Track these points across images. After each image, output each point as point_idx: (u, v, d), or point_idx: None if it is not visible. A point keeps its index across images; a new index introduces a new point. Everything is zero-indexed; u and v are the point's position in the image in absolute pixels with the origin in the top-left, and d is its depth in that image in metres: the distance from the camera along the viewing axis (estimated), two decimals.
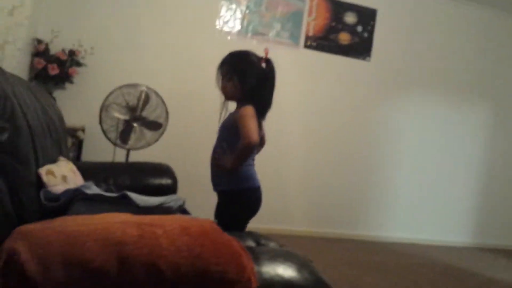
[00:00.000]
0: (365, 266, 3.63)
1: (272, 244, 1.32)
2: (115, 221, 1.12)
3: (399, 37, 4.72)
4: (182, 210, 1.48)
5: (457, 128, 4.99)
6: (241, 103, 2.11)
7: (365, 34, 4.63)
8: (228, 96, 2.18)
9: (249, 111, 2.03)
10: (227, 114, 2.22)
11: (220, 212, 2.13)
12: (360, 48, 4.62)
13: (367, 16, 4.61)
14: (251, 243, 1.30)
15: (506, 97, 5.16)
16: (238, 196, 2.13)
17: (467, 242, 5.04)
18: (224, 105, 2.24)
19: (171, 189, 2.28)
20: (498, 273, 3.99)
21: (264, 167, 4.37)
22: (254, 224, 3.76)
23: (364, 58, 4.62)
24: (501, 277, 3.85)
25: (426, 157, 4.88)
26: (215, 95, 4.08)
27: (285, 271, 1.05)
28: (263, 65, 2.10)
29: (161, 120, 3.09)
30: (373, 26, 4.63)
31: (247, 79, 2.06)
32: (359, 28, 4.60)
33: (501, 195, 5.18)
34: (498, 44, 5.08)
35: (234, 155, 2.04)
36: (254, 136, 1.98)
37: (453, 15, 4.88)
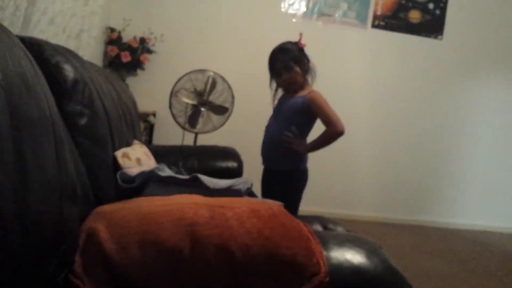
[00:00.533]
0: (436, 253, 3.51)
1: (339, 229, 1.31)
2: (188, 202, 1.16)
3: (475, 13, 4.43)
4: (250, 193, 1.50)
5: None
6: (301, 88, 2.22)
7: (437, 11, 4.39)
8: (294, 87, 2.25)
9: (322, 97, 2.16)
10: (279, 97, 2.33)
11: (273, 191, 2.16)
12: (432, 26, 4.40)
13: None
14: (318, 227, 1.30)
15: None
16: (297, 176, 2.26)
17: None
18: (275, 90, 2.34)
19: (237, 172, 2.32)
20: None
21: (331, 151, 4.31)
22: (319, 208, 3.75)
23: (436, 37, 4.40)
24: None
25: (502, 141, 4.59)
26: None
27: (354, 256, 1.03)
28: (302, 46, 2.30)
29: (227, 105, 3.13)
30: (445, 3, 4.38)
31: (303, 62, 2.23)
32: (431, 5, 4.38)
33: None
34: None
35: (319, 140, 2.15)
36: (342, 124, 2.10)
37: None
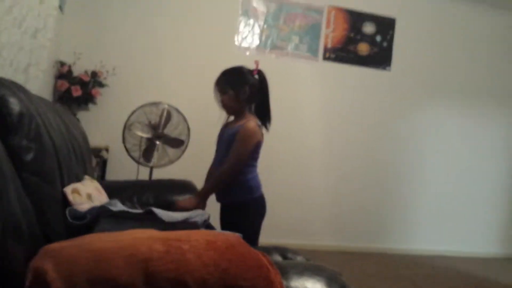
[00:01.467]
0: (395, 280, 3.54)
1: (299, 258, 1.30)
2: (141, 237, 1.12)
3: (420, 45, 4.66)
4: (207, 225, 1.47)
5: (482, 138, 4.87)
6: (241, 116, 2.21)
7: (384, 44, 4.59)
8: (227, 110, 2.27)
9: (251, 131, 2.12)
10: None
11: (232, 224, 2.09)
12: (380, 58, 4.58)
13: (386, 26, 4.58)
14: (278, 257, 1.28)
15: None
16: (252, 205, 2.19)
17: (495, 253, 4.88)
18: (226, 119, 2.35)
19: None
20: None
21: (286, 179, 4.36)
22: (279, 240, 3.73)
23: (384, 68, 4.58)
24: None
25: (450, 168, 4.77)
26: None
27: (314, 285, 1.02)
28: (256, 76, 2.24)
29: (183, 137, 3.10)
30: (392, 36, 4.59)
31: (241, 89, 2.18)
32: (378, 38, 4.57)
33: None
34: None
35: (211, 183, 2.17)
36: (238, 169, 2.10)
37: (474, 20, 4.81)
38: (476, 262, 4.47)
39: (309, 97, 4.35)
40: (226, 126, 2.31)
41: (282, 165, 4.30)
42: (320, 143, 4.40)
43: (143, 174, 3.37)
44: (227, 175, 2.07)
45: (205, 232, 1.27)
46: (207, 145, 4.10)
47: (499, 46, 4.90)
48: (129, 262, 1.02)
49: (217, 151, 2.30)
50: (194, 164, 3.92)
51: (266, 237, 2.53)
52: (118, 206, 1.42)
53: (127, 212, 1.36)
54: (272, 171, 4.21)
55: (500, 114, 4.91)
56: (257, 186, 2.21)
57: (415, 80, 4.66)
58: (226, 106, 2.23)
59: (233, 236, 1.20)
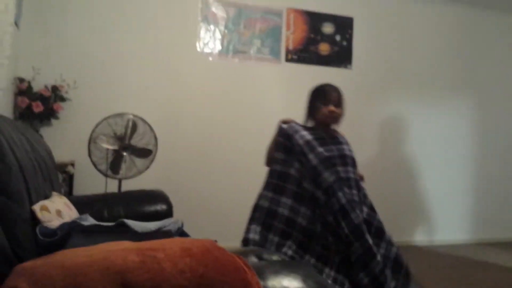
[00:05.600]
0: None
1: (275, 258, 1.32)
2: (115, 249, 1.11)
3: (378, 43, 4.79)
4: (181, 233, 1.47)
5: (444, 126, 5.04)
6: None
7: (344, 43, 4.69)
8: (337, 121, 2.44)
9: None
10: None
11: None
12: (340, 57, 4.68)
13: (344, 25, 4.68)
14: (253, 259, 1.29)
15: (488, 90, 5.24)
16: None
17: (464, 239, 5.05)
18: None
19: (167, 215, 2.26)
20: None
21: (253, 181, 4.36)
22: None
23: (345, 67, 4.67)
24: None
25: (416, 158, 4.91)
26: (201, 116, 4.12)
27: (291, 283, 1.04)
28: None
29: (150, 147, 3.08)
30: (351, 34, 4.70)
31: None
32: (338, 37, 4.67)
33: (493, 190, 5.23)
34: (476, 40, 5.17)
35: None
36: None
37: (429, 15, 4.97)
38: (448, 249, 4.60)
39: (274, 99, 4.39)
40: (325, 138, 2.29)
41: (251, 168, 4.32)
42: None
43: (112, 186, 3.33)
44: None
45: (180, 239, 1.27)
46: (176, 153, 4.10)
47: (455, 39, 5.08)
48: (104, 275, 1.02)
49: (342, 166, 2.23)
50: (164, 173, 3.91)
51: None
52: (89, 220, 1.41)
53: (99, 225, 1.35)
54: (239, 175, 4.23)
55: (460, 104, 5.10)
56: None
57: (375, 76, 4.78)
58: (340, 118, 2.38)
59: (208, 241, 1.20)
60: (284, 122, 2.29)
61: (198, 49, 4.18)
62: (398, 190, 4.82)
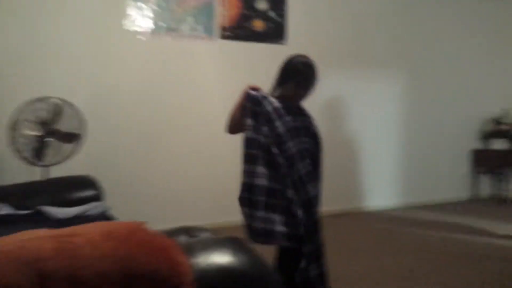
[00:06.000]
0: None
1: (206, 235, 1.27)
2: (30, 238, 1.03)
3: (312, 18, 4.80)
4: (107, 217, 1.39)
5: (378, 102, 5.20)
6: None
7: (278, 19, 4.66)
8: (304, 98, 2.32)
9: None
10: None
11: None
12: (275, 33, 4.65)
13: (278, 1, 4.65)
14: (183, 237, 1.24)
15: (419, 67, 5.43)
16: None
17: (397, 203, 5.29)
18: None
19: (95, 200, 2.16)
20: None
21: (193, 162, 4.31)
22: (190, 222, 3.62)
23: (280, 43, 4.65)
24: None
25: (353, 133, 5.03)
26: (135, 97, 3.97)
27: (220, 258, 1.01)
28: None
29: (77, 131, 2.92)
30: (284, 10, 4.67)
31: None
32: (272, 14, 4.63)
33: (419, 157, 5.49)
34: (408, 19, 5.32)
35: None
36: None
37: None
38: (384, 212, 4.80)
39: (211, 76, 4.31)
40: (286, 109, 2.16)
41: (189, 147, 4.24)
42: (223, 118, 4.37)
43: (39, 174, 3.14)
44: None
45: (102, 223, 1.19)
46: (111, 137, 3.93)
47: (388, 16, 5.20)
48: (18, 266, 0.94)
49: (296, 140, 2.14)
50: (95, 157, 3.74)
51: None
52: (3, 209, 1.29)
53: (14, 215, 1.25)
54: (176, 156, 4.15)
55: (392, 79, 5.27)
56: None
57: (311, 52, 4.67)
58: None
59: (133, 224, 1.14)
60: (252, 88, 2.20)
61: (128, 28, 3.99)
62: (341, 162, 4.92)
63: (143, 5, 4.04)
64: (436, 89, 5.56)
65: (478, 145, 5.86)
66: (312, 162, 2.14)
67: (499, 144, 5.65)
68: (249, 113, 2.08)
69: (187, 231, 1.30)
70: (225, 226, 4.09)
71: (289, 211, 1.99)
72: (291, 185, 2.01)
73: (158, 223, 3.40)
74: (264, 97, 2.13)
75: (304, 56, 2.30)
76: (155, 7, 4.09)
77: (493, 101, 5.82)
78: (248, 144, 2.05)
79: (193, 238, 1.25)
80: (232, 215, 4.35)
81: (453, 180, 5.73)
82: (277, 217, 1.98)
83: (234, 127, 2.23)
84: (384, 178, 5.29)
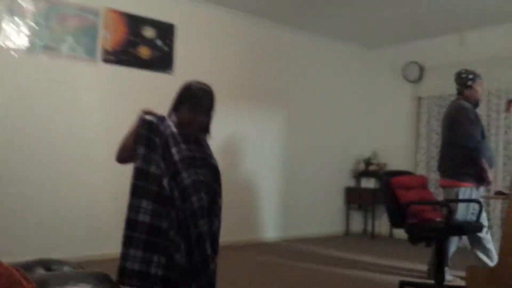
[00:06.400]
0: None
1: (65, 268, 1.21)
2: None
3: (199, 49, 4.88)
4: None
5: (261, 137, 5.45)
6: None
7: (166, 48, 4.67)
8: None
9: None
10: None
11: None
12: (162, 61, 4.65)
13: (166, 31, 4.67)
14: (41, 270, 1.17)
15: (297, 107, 5.80)
16: None
17: (278, 237, 5.48)
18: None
19: None
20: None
21: (69, 188, 4.03)
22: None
23: (167, 72, 4.65)
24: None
25: (244, 166, 5.16)
26: (7, 118, 3.65)
27: None
28: None
29: None
30: (172, 40, 4.70)
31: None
32: (159, 42, 4.63)
33: (298, 192, 5.80)
34: (287, 59, 5.67)
35: None
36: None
37: (250, 31, 5.31)
38: (270, 245, 4.92)
39: (90, 100, 4.14)
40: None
41: (63, 172, 3.99)
42: (102, 146, 4.19)
43: None
44: None
45: None
46: None
47: (267, 55, 5.48)
48: None
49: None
50: None
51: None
52: None
53: None
54: (48, 181, 3.89)
55: (270, 113, 5.55)
56: None
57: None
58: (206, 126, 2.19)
59: None
60: (147, 112, 2.04)
61: (1, 43, 3.70)
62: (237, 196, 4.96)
63: (20, 21, 3.79)
64: (314, 129, 5.97)
65: (350, 183, 6.35)
66: (208, 196, 2.03)
67: (369, 183, 6.15)
68: (143, 141, 1.93)
69: (46, 264, 1.22)
70: (98, 259, 3.88)
71: (168, 253, 1.87)
72: (177, 223, 1.90)
73: (17, 255, 3.12)
74: (162, 120, 2.00)
75: (201, 82, 2.19)
76: (32, 24, 3.85)
77: (364, 142, 6.38)
78: (137, 175, 1.91)
79: (51, 272, 1.17)
80: (107, 247, 4.14)
81: (328, 216, 6.10)
82: (155, 258, 1.85)
83: (124, 155, 2.06)
84: (272, 211, 5.51)
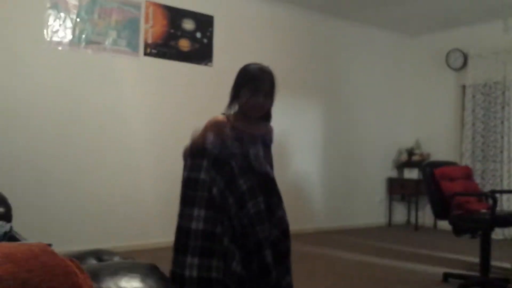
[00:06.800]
0: None
1: (116, 259, 1.24)
2: None
3: (237, 41, 4.89)
4: (10, 237, 1.31)
5: (300, 128, 5.40)
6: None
7: (205, 40, 4.70)
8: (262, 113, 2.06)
9: None
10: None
11: None
12: (201, 53, 4.68)
13: (205, 23, 4.70)
14: (92, 261, 1.21)
15: (337, 99, 5.73)
16: None
17: (321, 228, 5.45)
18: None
19: (5, 218, 2.02)
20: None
21: (115, 181, 4.15)
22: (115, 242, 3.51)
23: (206, 64, 4.69)
24: None
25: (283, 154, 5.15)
26: (51, 111, 3.78)
27: (128, 283, 0.99)
28: None
29: None
30: (211, 32, 4.73)
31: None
32: (198, 34, 4.66)
33: (340, 184, 5.73)
34: (327, 48, 5.59)
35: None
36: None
37: (288, 20, 5.25)
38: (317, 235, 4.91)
39: (131, 92, 4.22)
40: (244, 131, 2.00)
41: (107, 167, 4.10)
42: (145, 140, 4.30)
43: None
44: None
45: (3, 244, 1.13)
46: (21, 153, 3.67)
47: (309, 45, 5.43)
48: None
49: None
50: (9, 174, 3.51)
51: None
52: None
53: None
54: (92, 175, 4.00)
55: (311, 104, 5.49)
56: None
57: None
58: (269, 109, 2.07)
59: (37, 246, 1.09)
60: (218, 123, 1.99)
61: (47, 38, 3.83)
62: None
63: (64, 15, 3.90)
64: (356, 120, 5.89)
65: (393, 174, 6.23)
66: (265, 199, 1.93)
67: (412, 173, 6.01)
68: (202, 156, 1.90)
69: (97, 254, 1.26)
70: (139, 249, 3.99)
71: (225, 259, 1.79)
72: (232, 230, 1.83)
73: (70, 244, 3.25)
74: (222, 144, 1.94)
75: (259, 64, 2.09)
76: (75, 18, 3.95)
77: (407, 132, 6.24)
78: (186, 183, 1.88)
79: (103, 262, 1.21)
80: (146, 238, 4.25)
81: (370, 207, 6.02)
82: (214, 263, 1.77)
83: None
84: (314, 202, 5.50)
